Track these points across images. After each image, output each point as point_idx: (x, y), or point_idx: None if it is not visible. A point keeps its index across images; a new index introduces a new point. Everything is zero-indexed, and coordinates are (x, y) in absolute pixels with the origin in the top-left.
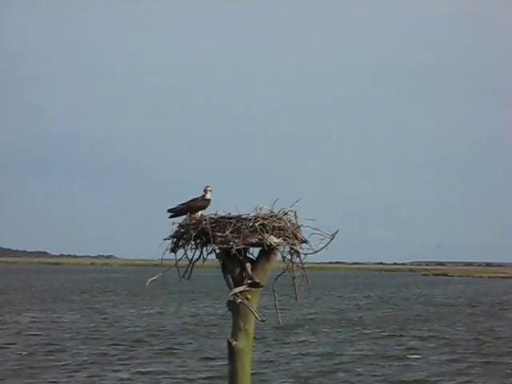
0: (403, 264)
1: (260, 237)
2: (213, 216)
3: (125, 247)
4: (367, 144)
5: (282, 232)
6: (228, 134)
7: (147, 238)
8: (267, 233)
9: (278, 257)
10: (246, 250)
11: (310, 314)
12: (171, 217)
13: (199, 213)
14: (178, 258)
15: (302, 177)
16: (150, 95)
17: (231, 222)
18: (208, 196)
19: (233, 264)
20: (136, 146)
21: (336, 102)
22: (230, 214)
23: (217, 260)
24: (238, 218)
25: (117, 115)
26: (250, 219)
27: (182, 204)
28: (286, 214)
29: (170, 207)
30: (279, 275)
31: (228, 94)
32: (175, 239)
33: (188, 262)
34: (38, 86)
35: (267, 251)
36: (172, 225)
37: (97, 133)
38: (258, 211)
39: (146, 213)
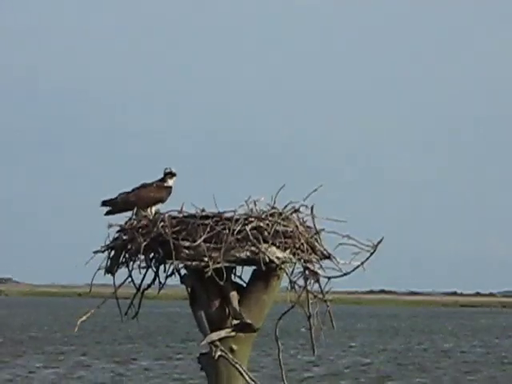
0: (491, 294)
1: (254, 248)
2: (176, 214)
3: (29, 266)
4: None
5: (289, 241)
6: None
7: (65, 251)
8: (265, 242)
9: (284, 282)
10: (230, 270)
11: (336, 376)
12: (107, 214)
13: (153, 208)
14: (119, 282)
15: (327, 149)
16: None
17: (206, 224)
18: (169, 182)
19: (208, 293)
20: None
21: None
22: (203, 210)
23: (182, 287)
24: (218, 218)
25: None
26: (236, 220)
27: (126, 193)
28: (296, 211)
29: (104, 198)
30: (285, 312)
31: None
32: (113, 252)
33: (134, 290)
34: None
35: (265, 273)
36: (108, 228)
37: None
38: (251, 206)
39: (60, 207)
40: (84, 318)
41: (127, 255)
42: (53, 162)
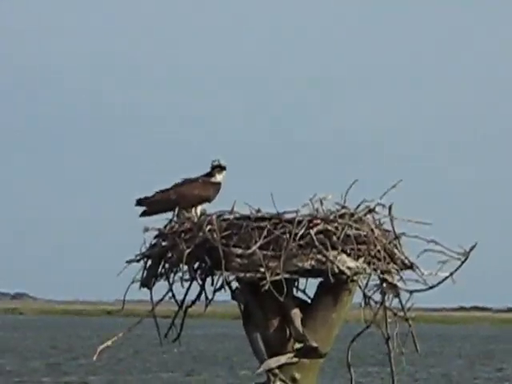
0: None
1: (320, 257)
2: (226, 215)
3: (47, 279)
4: None
5: (363, 247)
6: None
7: (91, 261)
8: (334, 249)
9: (357, 297)
10: (291, 283)
11: None
12: (143, 215)
13: (199, 208)
14: (157, 298)
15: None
16: None
17: (262, 228)
18: (218, 178)
19: (265, 311)
20: None
21: None
22: (259, 210)
23: (233, 303)
24: (277, 220)
25: None
26: (299, 222)
27: (165, 190)
28: (371, 211)
29: (140, 196)
30: (358, 334)
31: None
32: (150, 261)
33: (176, 308)
34: None
35: (334, 286)
36: (144, 232)
37: None
38: (316, 206)
39: (85, 212)
40: (108, 343)
41: (167, 265)
42: (69, 165)
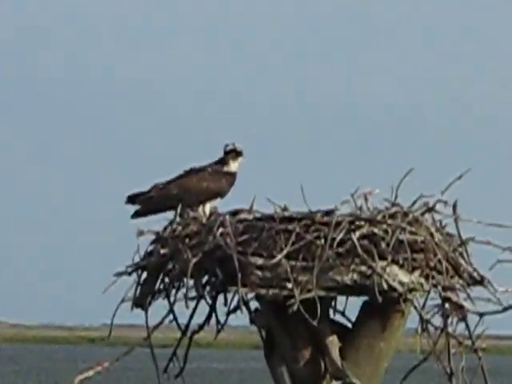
0: None
1: (364, 268)
2: (243, 215)
3: (13, 299)
4: None
5: (420, 257)
6: None
7: (69, 274)
8: (383, 259)
9: (412, 321)
10: (327, 302)
11: None
12: (136, 216)
13: (208, 206)
14: (154, 322)
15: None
16: None
17: (290, 231)
18: (232, 166)
19: (294, 339)
20: None
21: None
22: (285, 209)
23: (252, 329)
24: (309, 221)
25: None
26: (338, 223)
27: (165, 184)
28: (430, 209)
29: (131, 192)
30: (413, 368)
31: None
32: (145, 274)
33: (178, 334)
34: None
35: (383, 306)
36: (138, 237)
37: None
38: (360, 203)
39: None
40: (89, 373)
41: (167, 279)
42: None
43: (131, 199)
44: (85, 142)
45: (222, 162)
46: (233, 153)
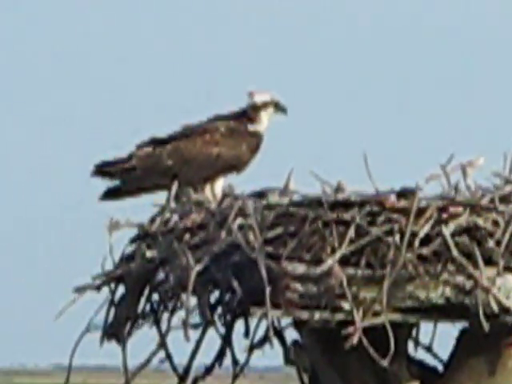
0: None
1: (461, 279)
2: (273, 198)
3: None
4: None
5: None
6: None
7: (8, 291)
8: (491, 265)
9: None
10: (403, 332)
11: None
12: (107, 196)
13: (219, 185)
14: (136, 363)
15: None
16: None
17: (346, 223)
18: (261, 126)
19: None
20: None
21: None
22: (338, 189)
23: (286, 372)
24: (376, 207)
25: None
26: (420, 211)
27: (153, 143)
28: None
29: (101, 159)
30: None
31: None
32: (122, 290)
33: (175, 381)
34: None
35: (491, 337)
36: (109, 232)
37: None
38: (455, 180)
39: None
40: None
41: (156, 296)
42: None
43: (101, 170)
44: None
45: (245, 115)
46: (269, 105)
